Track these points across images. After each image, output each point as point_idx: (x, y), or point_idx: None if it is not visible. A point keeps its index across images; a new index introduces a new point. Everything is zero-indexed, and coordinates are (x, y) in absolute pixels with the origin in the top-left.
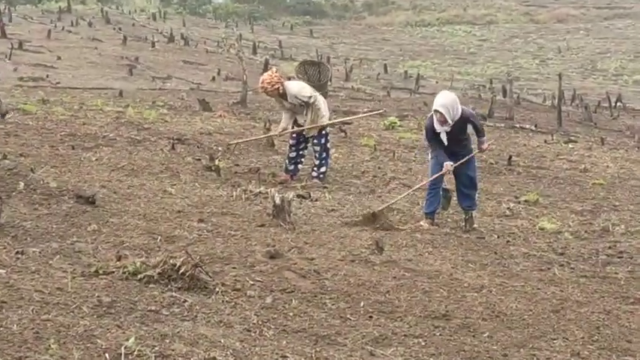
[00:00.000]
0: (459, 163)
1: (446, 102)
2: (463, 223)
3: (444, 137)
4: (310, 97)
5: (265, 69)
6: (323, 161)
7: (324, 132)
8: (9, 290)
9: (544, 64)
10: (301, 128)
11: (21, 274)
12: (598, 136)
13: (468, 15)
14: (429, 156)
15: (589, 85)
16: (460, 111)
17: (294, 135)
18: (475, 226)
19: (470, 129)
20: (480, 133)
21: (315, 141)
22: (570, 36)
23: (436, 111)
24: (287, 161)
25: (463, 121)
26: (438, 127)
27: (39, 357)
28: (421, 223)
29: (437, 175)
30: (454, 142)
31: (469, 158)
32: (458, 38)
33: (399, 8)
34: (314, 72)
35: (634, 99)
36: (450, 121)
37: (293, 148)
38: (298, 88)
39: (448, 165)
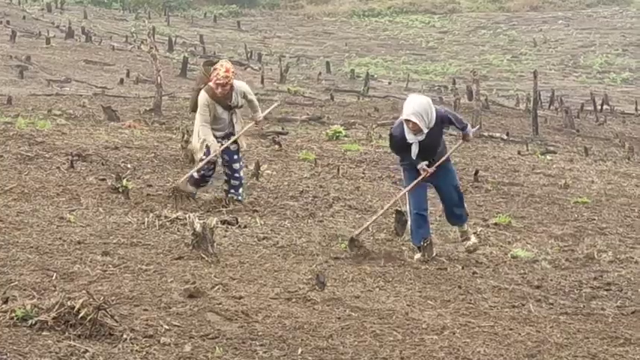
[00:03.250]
0: (437, 164)
1: (418, 108)
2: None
3: (415, 149)
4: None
5: (184, 69)
6: (242, 180)
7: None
8: None
9: (516, 61)
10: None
11: None
12: (581, 145)
13: (426, 3)
14: (401, 167)
15: (570, 84)
16: (434, 115)
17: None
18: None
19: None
20: (461, 124)
21: (236, 157)
22: (547, 26)
23: (407, 120)
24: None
25: (439, 124)
26: (410, 137)
27: None
28: (415, 257)
29: (415, 181)
30: (429, 152)
31: (446, 157)
32: (414, 30)
33: None
34: None
35: (623, 100)
36: (424, 129)
37: (212, 165)
38: (245, 84)
39: (423, 166)
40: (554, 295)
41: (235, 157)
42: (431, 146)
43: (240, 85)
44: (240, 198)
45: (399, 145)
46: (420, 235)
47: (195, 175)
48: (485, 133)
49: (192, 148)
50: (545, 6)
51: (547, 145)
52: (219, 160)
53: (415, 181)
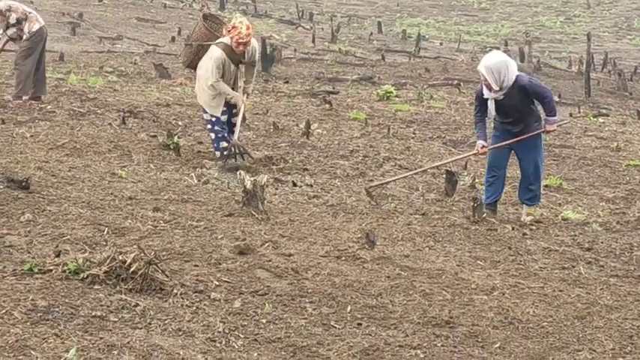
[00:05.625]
0: (495, 145)
1: (489, 63)
2: (523, 216)
3: (491, 106)
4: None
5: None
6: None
7: None
8: None
9: (570, 22)
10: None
11: None
12: (634, 108)
13: None
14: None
15: (624, 47)
16: (513, 77)
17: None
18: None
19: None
20: (548, 109)
21: (235, 110)
22: None
23: (480, 72)
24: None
25: (520, 91)
26: (486, 92)
27: None
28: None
29: (463, 156)
30: (510, 116)
31: (527, 137)
32: None
33: None
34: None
35: None
36: (495, 87)
37: (225, 127)
38: (256, 42)
39: (479, 146)
40: (604, 257)
41: (234, 110)
42: (510, 109)
43: (254, 42)
44: (217, 154)
45: (480, 99)
46: (487, 193)
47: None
48: None
49: (199, 101)
50: None
51: (599, 108)
52: (224, 117)
53: (462, 156)
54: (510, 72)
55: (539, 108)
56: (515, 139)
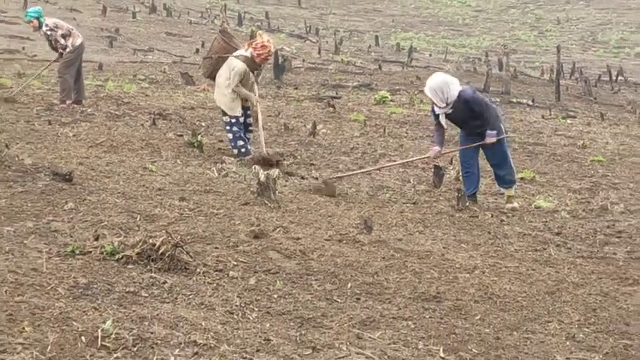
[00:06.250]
0: (450, 150)
1: (433, 84)
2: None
3: (442, 119)
4: None
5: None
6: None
7: None
8: None
9: (542, 36)
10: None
11: None
12: (598, 111)
13: None
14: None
15: (589, 57)
16: (455, 94)
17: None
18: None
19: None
20: (487, 124)
21: (249, 112)
22: (570, 6)
23: (425, 93)
24: (243, 143)
25: (465, 104)
26: (436, 109)
27: (12, 340)
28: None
29: (420, 157)
30: (462, 125)
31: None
32: (452, 9)
33: None
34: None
35: (636, 72)
36: (441, 104)
37: (242, 128)
38: None
39: (435, 151)
40: (571, 240)
41: (249, 112)
42: (460, 120)
43: None
44: (234, 152)
45: (434, 114)
46: (466, 186)
47: (239, 142)
48: (514, 100)
49: (219, 105)
50: None
51: (568, 111)
52: (242, 118)
53: (418, 157)
54: (452, 89)
55: (494, 105)
56: (474, 144)
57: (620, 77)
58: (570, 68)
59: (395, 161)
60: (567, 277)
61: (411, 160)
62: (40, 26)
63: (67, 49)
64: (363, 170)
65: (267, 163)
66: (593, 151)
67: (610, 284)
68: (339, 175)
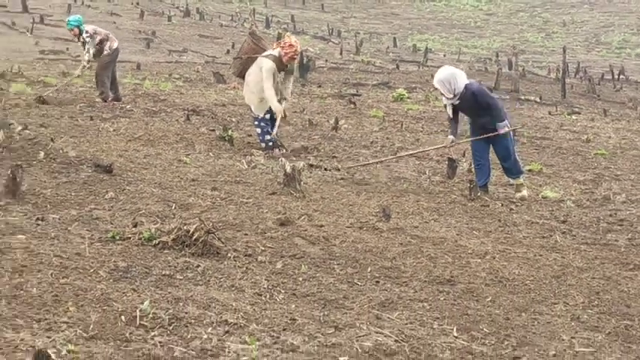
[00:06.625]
0: (464, 141)
1: (441, 77)
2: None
3: (449, 110)
4: None
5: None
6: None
7: None
8: (29, 255)
9: (549, 38)
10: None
11: (41, 240)
12: (601, 107)
13: None
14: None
15: (593, 58)
16: (462, 85)
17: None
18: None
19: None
20: (495, 116)
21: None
22: (575, 10)
23: (434, 85)
24: (270, 137)
25: (472, 95)
26: (444, 100)
27: (57, 319)
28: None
29: (435, 147)
30: (469, 115)
31: (489, 134)
32: (465, 12)
33: None
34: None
35: (636, 72)
36: (449, 95)
37: (269, 123)
38: None
39: (449, 140)
40: (576, 228)
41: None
42: (467, 110)
43: None
44: (262, 145)
45: (444, 105)
46: (477, 177)
47: (267, 137)
48: (522, 97)
49: (248, 102)
50: None
51: (573, 107)
52: (267, 115)
53: (435, 147)
54: (459, 81)
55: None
56: (486, 135)
57: (621, 76)
58: (575, 68)
59: (412, 152)
60: (572, 262)
61: (428, 149)
62: (81, 33)
63: (105, 52)
64: (378, 160)
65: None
66: (597, 145)
67: (612, 269)
68: (353, 164)
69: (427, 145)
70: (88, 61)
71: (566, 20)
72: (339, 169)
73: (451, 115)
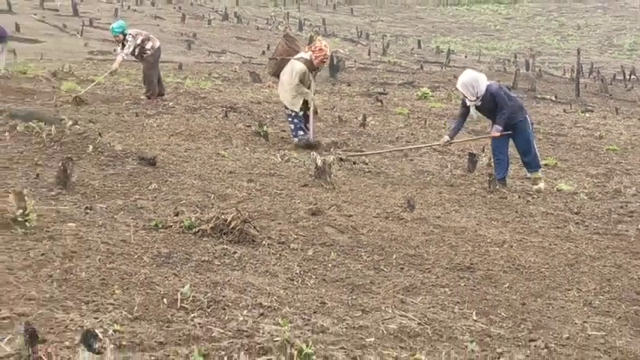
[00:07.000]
0: (458, 141)
1: (464, 80)
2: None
3: (473, 111)
4: None
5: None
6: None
7: None
8: (78, 241)
9: (564, 40)
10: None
11: (89, 228)
12: (613, 106)
13: None
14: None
15: (605, 59)
16: (484, 88)
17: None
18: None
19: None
20: (499, 118)
21: (308, 106)
22: (589, 14)
23: (458, 89)
24: (303, 132)
25: (492, 96)
26: (467, 101)
27: (104, 301)
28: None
29: (429, 144)
30: (489, 116)
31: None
32: (485, 17)
33: None
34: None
35: None
36: (472, 98)
37: (302, 120)
38: None
39: (444, 139)
40: (589, 219)
41: (307, 106)
42: (487, 111)
43: None
44: (295, 140)
45: (463, 105)
46: (497, 171)
47: (299, 132)
48: (539, 96)
49: (282, 100)
50: None
51: (586, 106)
52: (301, 112)
53: (431, 144)
54: (481, 84)
55: (517, 98)
56: (485, 135)
57: (632, 76)
58: (589, 68)
59: (409, 146)
60: (585, 251)
61: (422, 146)
62: (124, 38)
63: (149, 52)
64: (377, 152)
65: (311, 147)
66: (609, 141)
67: (623, 257)
68: (352, 154)
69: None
70: (121, 62)
71: (580, 24)
72: (366, 164)
73: (475, 116)
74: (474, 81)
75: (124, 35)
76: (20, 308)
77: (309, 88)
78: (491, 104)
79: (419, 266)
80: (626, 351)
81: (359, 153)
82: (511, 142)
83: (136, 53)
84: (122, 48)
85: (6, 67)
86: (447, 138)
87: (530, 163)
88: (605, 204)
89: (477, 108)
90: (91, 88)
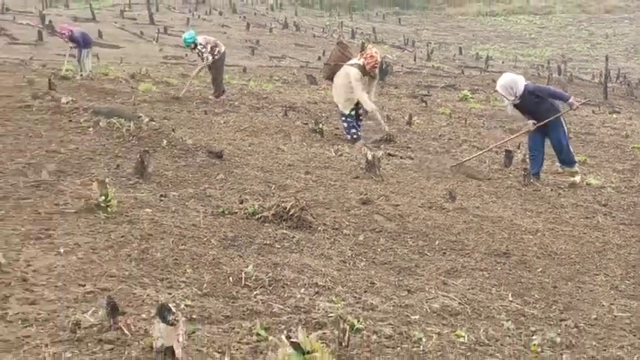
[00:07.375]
0: (539, 124)
1: (503, 83)
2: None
3: (509, 109)
4: None
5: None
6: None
7: None
8: (154, 225)
9: (593, 48)
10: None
11: (164, 213)
12: (638, 108)
13: (530, 6)
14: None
15: (631, 65)
16: (522, 88)
17: (352, 107)
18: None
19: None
20: (559, 97)
21: (361, 110)
22: (616, 24)
23: (496, 90)
24: (355, 130)
25: (530, 94)
26: (505, 101)
27: (177, 279)
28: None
29: (518, 134)
30: (527, 113)
31: (550, 120)
32: (521, 26)
33: (473, 0)
34: (347, 52)
35: None
36: (511, 98)
37: (354, 119)
38: None
39: (530, 123)
40: (616, 210)
41: (358, 105)
42: (525, 109)
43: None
44: (348, 137)
45: (506, 105)
46: (531, 166)
47: (352, 130)
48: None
49: (335, 101)
50: (616, 9)
51: (613, 107)
52: (353, 112)
53: (517, 134)
54: (519, 84)
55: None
56: (540, 124)
57: None
58: (616, 74)
59: (501, 140)
60: (612, 239)
61: (515, 136)
62: (196, 46)
63: (216, 57)
64: (476, 155)
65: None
66: (634, 140)
67: None
68: (456, 163)
69: (487, 138)
70: (203, 67)
71: (608, 33)
72: (412, 159)
73: (511, 113)
74: (512, 82)
75: (195, 45)
76: (103, 284)
77: (368, 92)
78: (531, 100)
79: (459, 251)
80: None
81: (466, 159)
82: (547, 141)
83: (211, 59)
84: (198, 53)
85: (91, 70)
86: (532, 121)
87: (565, 159)
88: (630, 197)
89: (518, 107)
90: (180, 89)
